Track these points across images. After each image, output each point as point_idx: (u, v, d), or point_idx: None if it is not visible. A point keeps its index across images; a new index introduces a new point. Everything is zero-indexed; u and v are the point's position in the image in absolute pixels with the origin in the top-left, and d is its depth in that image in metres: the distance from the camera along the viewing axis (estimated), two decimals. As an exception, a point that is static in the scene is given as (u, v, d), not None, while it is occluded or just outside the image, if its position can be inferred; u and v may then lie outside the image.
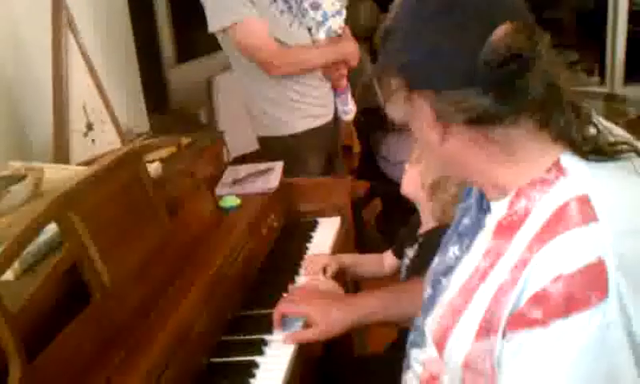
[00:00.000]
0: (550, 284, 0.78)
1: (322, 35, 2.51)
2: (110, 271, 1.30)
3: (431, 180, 1.61)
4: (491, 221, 0.97)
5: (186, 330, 1.36)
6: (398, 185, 3.26)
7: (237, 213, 1.86)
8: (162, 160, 1.76)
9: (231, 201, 1.87)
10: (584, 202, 0.82)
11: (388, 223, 3.59)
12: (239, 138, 3.61)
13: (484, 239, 0.98)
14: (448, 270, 1.09)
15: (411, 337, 1.22)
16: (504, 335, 0.84)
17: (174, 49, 5.00)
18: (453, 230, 1.16)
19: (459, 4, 0.86)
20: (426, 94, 0.89)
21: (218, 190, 1.97)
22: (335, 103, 2.66)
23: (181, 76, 4.87)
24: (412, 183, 1.68)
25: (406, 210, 3.35)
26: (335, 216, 2.11)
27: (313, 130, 2.55)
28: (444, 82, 0.87)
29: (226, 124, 4.03)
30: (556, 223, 0.82)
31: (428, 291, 1.15)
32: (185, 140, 1.94)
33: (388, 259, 1.87)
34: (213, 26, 2.33)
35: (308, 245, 1.94)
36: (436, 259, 1.18)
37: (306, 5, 2.46)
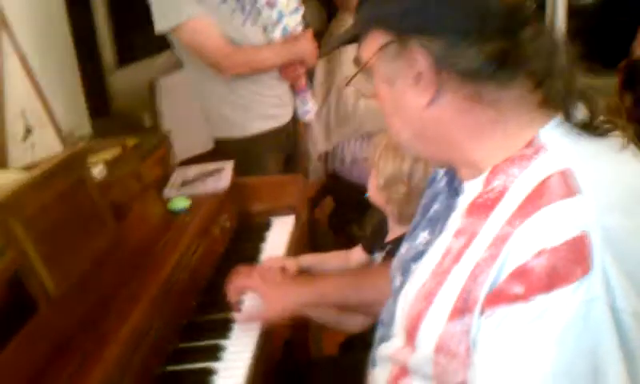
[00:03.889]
0: (531, 258, 0.76)
1: (277, 34, 2.43)
2: (55, 279, 1.23)
3: (382, 180, 1.58)
4: (464, 201, 0.94)
5: (140, 338, 1.29)
6: (349, 183, 3.26)
7: (187, 215, 1.80)
8: (106, 163, 1.69)
9: (181, 202, 1.81)
10: (567, 175, 0.80)
11: (340, 222, 3.56)
12: (184, 141, 3.53)
13: (456, 220, 0.94)
14: (418, 256, 1.06)
15: (379, 333, 1.18)
16: (482, 312, 0.81)
17: (115, 52, 4.88)
18: (421, 215, 1.13)
19: None
20: (425, 41, 0.86)
21: (167, 192, 1.91)
22: (294, 103, 2.60)
23: (122, 79, 4.74)
24: (372, 188, 1.64)
25: (358, 208, 3.34)
26: (289, 215, 2.07)
27: (269, 131, 2.47)
28: (446, 26, 0.85)
29: (171, 127, 3.94)
30: (538, 197, 0.79)
31: (398, 279, 1.11)
32: (130, 142, 1.87)
33: (356, 254, 1.81)
34: (159, 26, 2.24)
35: (262, 245, 1.89)
36: (404, 246, 1.15)
37: (260, 3, 2.37)
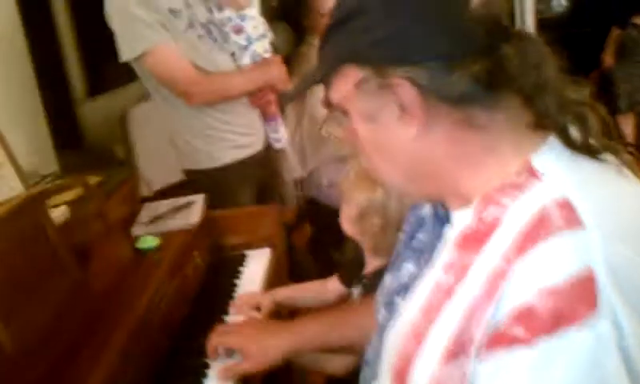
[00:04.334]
0: (532, 297, 0.68)
1: (246, 60, 2.36)
2: (11, 334, 1.14)
3: (355, 212, 1.50)
4: (453, 232, 0.86)
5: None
6: (327, 207, 3.18)
7: (156, 253, 1.71)
8: (69, 203, 1.60)
9: (149, 241, 1.72)
10: (565, 205, 0.73)
11: (319, 247, 3.48)
12: (160, 171, 3.45)
13: (444, 252, 0.87)
14: (402, 289, 0.98)
15: (364, 372, 1.11)
16: (478, 355, 0.73)
17: (84, 82, 4.79)
18: (405, 245, 1.05)
19: None
20: (405, 70, 0.79)
21: (135, 230, 1.82)
22: (265, 131, 2.51)
23: (93, 110, 4.66)
24: (345, 220, 1.56)
25: (338, 232, 3.26)
26: (265, 247, 1.99)
27: (240, 161, 2.38)
28: (425, 52, 0.78)
29: (145, 157, 3.87)
30: (535, 230, 0.72)
31: (382, 313, 1.04)
32: (93, 179, 1.78)
33: (332, 285, 1.73)
34: (124, 54, 2.15)
35: (237, 281, 1.81)
36: (387, 278, 1.07)
37: (227, 29, 2.31)
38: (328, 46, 0.87)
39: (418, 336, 0.84)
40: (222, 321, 1.60)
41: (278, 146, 2.56)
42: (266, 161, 2.56)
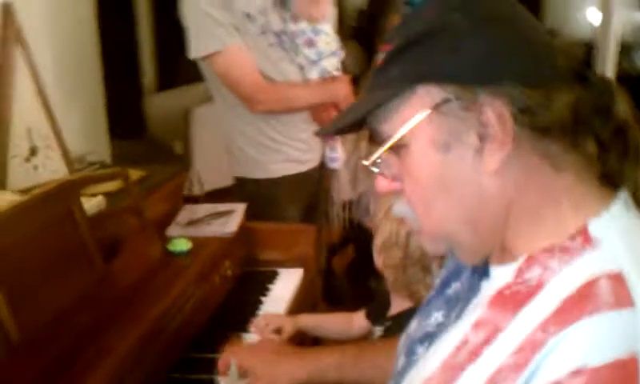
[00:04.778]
0: (567, 376, 0.62)
1: (314, 75, 2.32)
2: (19, 324, 1.12)
3: (379, 242, 1.44)
4: (489, 288, 0.79)
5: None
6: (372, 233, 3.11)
7: (186, 258, 1.68)
8: (106, 194, 1.59)
9: (181, 244, 1.70)
10: (617, 280, 0.65)
11: (359, 274, 3.42)
12: (214, 173, 3.46)
13: (477, 308, 0.79)
14: (426, 338, 0.92)
15: None
16: None
17: (155, 75, 4.87)
18: (438, 292, 0.98)
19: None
20: (501, 92, 0.70)
21: (170, 231, 1.80)
22: (322, 148, 2.47)
23: (159, 104, 4.72)
24: (374, 249, 1.50)
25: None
26: (298, 267, 1.94)
27: (294, 175, 2.34)
28: (523, 74, 0.70)
29: (202, 157, 3.88)
30: (581, 302, 0.65)
31: (402, 359, 0.97)
32: (136, 173, 1.77)
33: (359, 320, 1.66)
34: (194, 51, 2.15)
35: (263, 298, 1.76)
36: (414, 323, 1.00)
37: (299, 41, 2.27)
38: (394, 67, 0.77)
39: None
40: (238, 338, 1.56)
41: (333, 165, 2.52)
42: (318, 179, 2.52)
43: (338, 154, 2.53)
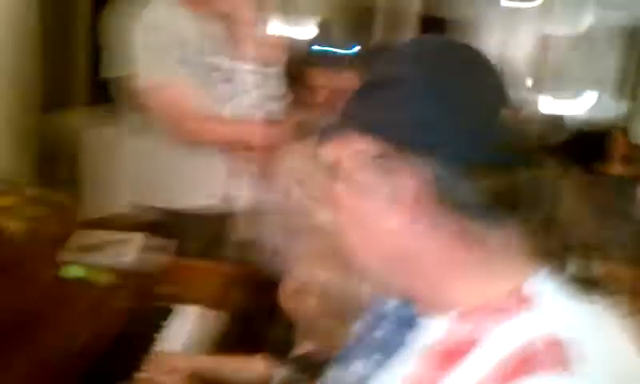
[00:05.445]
0: None
1: (227, 112, 2.29)
2: None
3: (294, 286, 1.42)
4: (419, 341, 0.78)
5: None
6: (266, 276, 3.04)
7: (79, 286, 1.57)
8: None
9: (75, 271, 1.59)
10: (553, 343, 0.66)
11: (247, 317, 3.34)
12: (101, 199, 3.34)
13: (405, 362, 0.79)
14: None
15: None
16: None
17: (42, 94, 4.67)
18: (357, 341, 0.96)
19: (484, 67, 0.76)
20: (424, 160, 0.71)
21: (62, 255, 1.68)
22: (227, 185, 2.41)
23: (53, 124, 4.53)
24: (284, 291, 1.47)
25: (271, 306, 3.12)
26: (197, 305, 1.86)
27: (198, 209, 2.29)
28: (450, 150, 0.70)
29: (90, 182, 3.74)
30: (517, 363, 0.65)
31: None
32: (30, 191, 1.65)
33: (257, 364, 1.60)
34: (120, 70, 2.07)
35: (158, 336, 1.67)
36: (331, 373, 0.97)
37: (215, 75, 2.25)
38: (352, 103, 0.80)
39: None
40: (130, 377, 1.46)
41: (237, 203, 2.48)
42: (220, 217, 2.47)
43: (243, 192, 2.49)
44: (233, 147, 2.31)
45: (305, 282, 1.38)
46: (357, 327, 1.02)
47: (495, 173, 0.70)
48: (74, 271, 1.59)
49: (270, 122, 2.37)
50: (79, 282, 1.58)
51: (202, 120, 2.23)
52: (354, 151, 0.76)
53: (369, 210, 0.76)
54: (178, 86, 2.11)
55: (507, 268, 0.74)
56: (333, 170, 0.80)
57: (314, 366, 1.40)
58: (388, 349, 0.85)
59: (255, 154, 2.37)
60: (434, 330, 0.76)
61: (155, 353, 1.57)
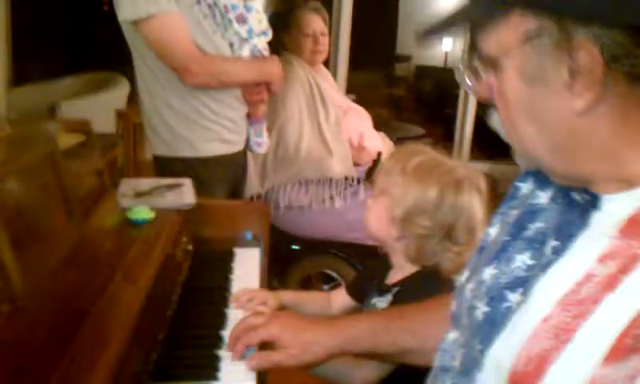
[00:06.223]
0: None
1: (245, 53, 2.18)
2: (22, 277, 0.89)
3: (402, 212, 1.35)
4: (609, 218, 0.74)
5: (121, 368, 0.96)
6: (279, 231, 2.95)
7: (148, 228, 1.47)
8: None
9: (144, 213, 1.48)
10: None
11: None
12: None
13: (594, 241, 0.75)
14: (517, 283, 0.84)
15: (440, 360, 0.96)
16: None
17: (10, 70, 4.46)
18: (510, 235, 0.90)
19: None
20: (598, 34, 0.66)
21: (121, 202, 1.57)
22: (248, 132, 2.34)
23: (19, 100, 4.34)
24: (377, 220, 1.40)
25: (284, 260, 3.02)
26: (250, 247, 1.77)
27: (222, 156, 2.20)
28: (622, 17, 0.65)
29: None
30: None
31: (482, 310, 0.88)
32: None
33: (339, 298, 1.56)
34: (127, 13, 1.94)
35: (231, 276, 1.58)
36: (488, 271, 0.91)
37: (230, 16, 2.13)
38: None
39: (561, 333, 0.72)
40: (222, 314, 1.38)
41: (258, 150, 2.42)
42: (243, 163, 2.39)
43: (263, 138, 2.41)
44: (254, 88, 2.23)
45: (414, 205, 1.32)
46: (493, 228, 0.98)
47: None
48: (143, 213, 1.48)
49: (275, 58, 2.30)
50: (149, 223, 1.48)
51: (224, 61, 2.14)
52: (518, 34, 0.72)
53: (541, 97, 0.73)
54: (183, 23, 2.00)
55: None
56: (493, 61, 0.76)
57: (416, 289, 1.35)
58: (558, 235, 0.81)
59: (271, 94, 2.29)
60: (625, 204, 0.73)
61: (243, 289, 1.48)
